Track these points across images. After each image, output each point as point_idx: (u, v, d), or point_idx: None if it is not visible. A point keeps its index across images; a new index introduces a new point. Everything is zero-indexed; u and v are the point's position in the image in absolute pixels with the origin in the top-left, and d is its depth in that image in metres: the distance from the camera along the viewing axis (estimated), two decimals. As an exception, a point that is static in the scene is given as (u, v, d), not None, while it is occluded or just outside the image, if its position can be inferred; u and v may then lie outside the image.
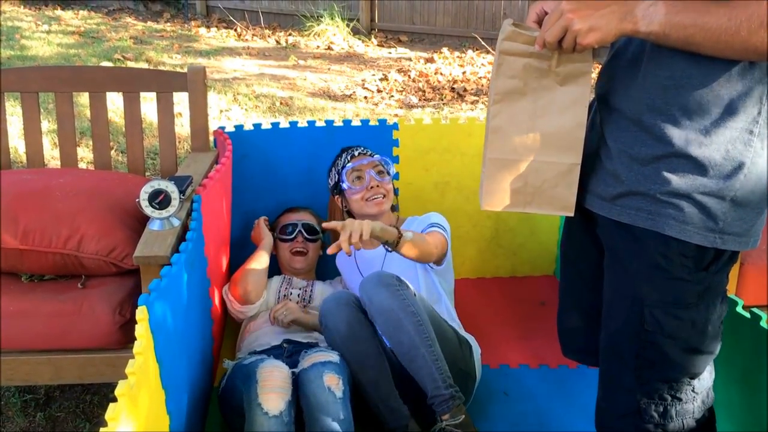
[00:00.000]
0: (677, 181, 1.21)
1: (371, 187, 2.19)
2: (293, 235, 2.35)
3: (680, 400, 1.33)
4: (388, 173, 2.25)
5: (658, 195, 1.22)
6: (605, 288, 1.39)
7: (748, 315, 1.52)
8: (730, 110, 1.18)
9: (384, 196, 2.21)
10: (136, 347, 1.28)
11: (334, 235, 1.97)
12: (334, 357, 1.83)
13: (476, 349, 2.05)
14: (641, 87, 1.25)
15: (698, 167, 1.20)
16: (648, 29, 1.15)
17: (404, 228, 2.23)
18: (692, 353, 1.30)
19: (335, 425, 1.69)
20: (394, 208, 2.33)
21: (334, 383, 1.75)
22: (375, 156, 2.26)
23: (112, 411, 1.11)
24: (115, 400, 1.13)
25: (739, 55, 1.12)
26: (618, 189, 1.28)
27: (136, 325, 1.34)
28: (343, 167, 2.22)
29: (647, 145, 1.24)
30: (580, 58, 1.29)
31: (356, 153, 2.25)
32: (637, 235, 1.26)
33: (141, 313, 1.35)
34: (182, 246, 1.66)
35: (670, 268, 1.25)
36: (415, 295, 1.88)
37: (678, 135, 1.21)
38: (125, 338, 1.86)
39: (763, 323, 1.48)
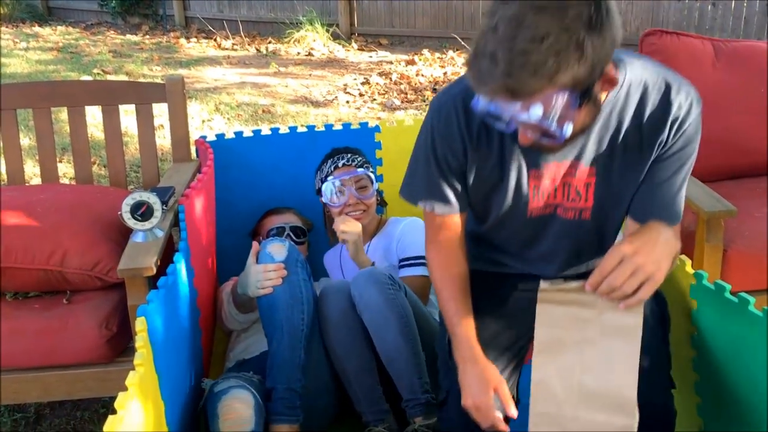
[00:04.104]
0: None
1: (349, 204, 2.17)
2: (282, 240, 2.33)
3: None
4: (372, 185, 2.21)
5: None
6: None
7: (735, 300, 1.52)
8: None
9: (364, 211, 2.18)
10: (137, 359, 1.26)
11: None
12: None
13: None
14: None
15: None
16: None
17: (387, 229, 2.23)
18: None
19: None
20: (379, 209, 2.32)
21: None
22: (359, 169, 2.19)
23: (110, 424, 1.07)
24: (108, 414, 1.11)
25: None
26: None
27: (136, 336, 1.32)
28: (326, 177, 2.19)
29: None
30: (629, 309, 1.21)
31: (340, 164, 2.19)
32: None
33: (140, 324, 1.33)
34: (176, 257, 1.65)
35: None
36: (406, 295, 1.88)
37: None
38: (112, 352, 1.85)
39: (751, 307, 1.48)
